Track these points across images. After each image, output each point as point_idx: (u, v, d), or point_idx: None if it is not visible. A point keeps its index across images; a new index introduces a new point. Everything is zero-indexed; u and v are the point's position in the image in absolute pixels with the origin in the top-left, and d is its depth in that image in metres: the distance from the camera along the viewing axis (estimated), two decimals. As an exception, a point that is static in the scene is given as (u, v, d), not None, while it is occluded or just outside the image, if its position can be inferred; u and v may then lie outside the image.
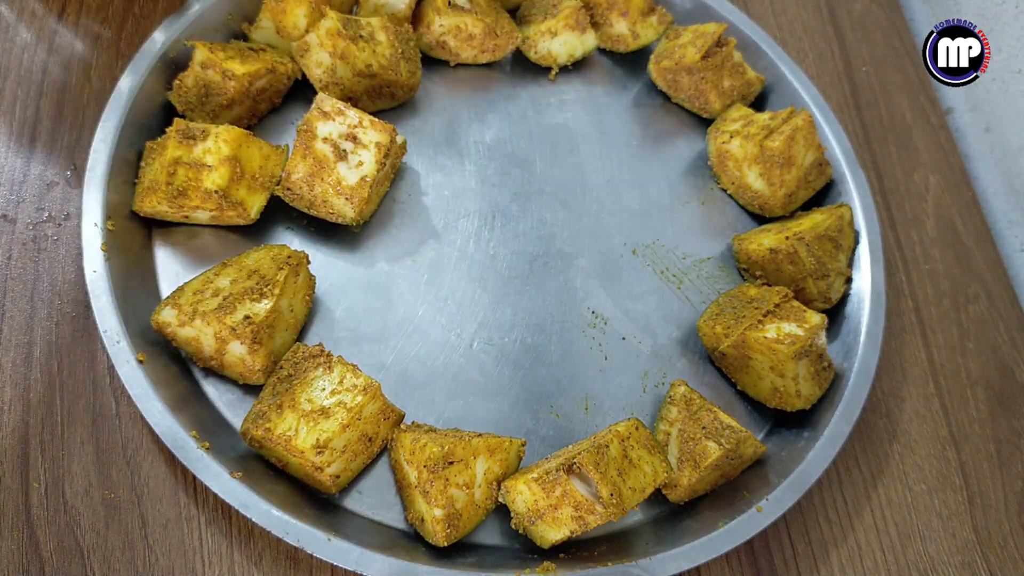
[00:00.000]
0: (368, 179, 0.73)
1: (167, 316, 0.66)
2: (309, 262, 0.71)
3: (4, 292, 0.71)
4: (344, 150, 0.73)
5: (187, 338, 0.66)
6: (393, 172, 0.80)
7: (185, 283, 0.68)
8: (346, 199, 0.73)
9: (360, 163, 0.73)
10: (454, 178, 0.85)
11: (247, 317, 0.65)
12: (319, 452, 0.61)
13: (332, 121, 0.73)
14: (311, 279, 0.73)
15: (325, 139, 0.73)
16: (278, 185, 0.74)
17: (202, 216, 0.72)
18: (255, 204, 0.73)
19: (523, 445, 0.70)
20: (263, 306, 0.65)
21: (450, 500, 0.63)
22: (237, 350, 0.66)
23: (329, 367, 0.65)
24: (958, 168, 1.05)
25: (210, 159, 0.70)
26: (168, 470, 0.66)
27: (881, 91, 1.08)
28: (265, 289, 0.66)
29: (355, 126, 0.73)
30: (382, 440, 0.68)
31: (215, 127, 0.71)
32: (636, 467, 0.65)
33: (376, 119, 0.74)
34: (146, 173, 0.72)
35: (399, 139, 0.77)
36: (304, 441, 0.61)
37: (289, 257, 0.69)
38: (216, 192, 0.70)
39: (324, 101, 0.73)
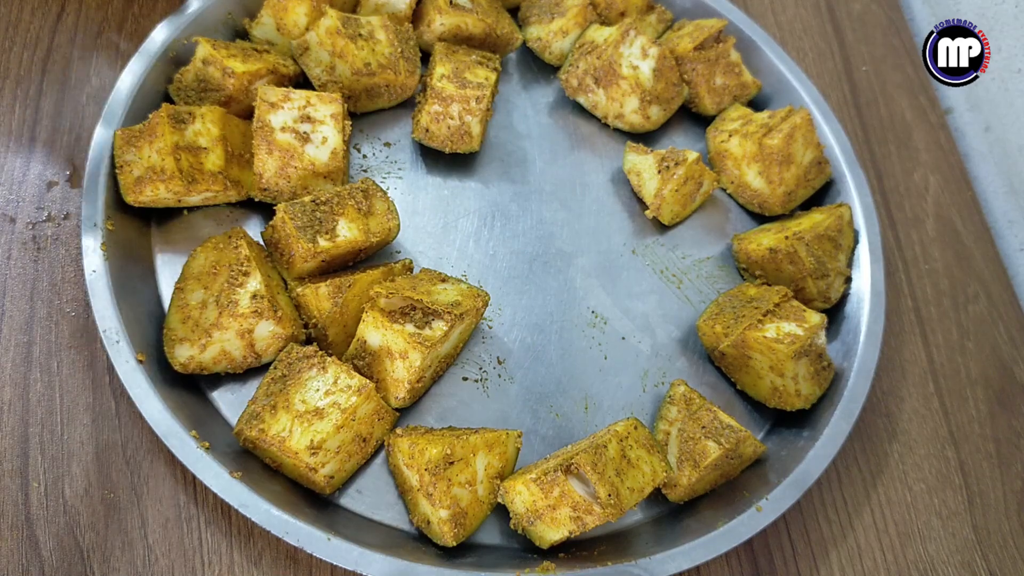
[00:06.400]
0: (338, 151, 0.74)
1: (183, 354, 0.65)
2: (245, 233, 0.71)
3: (4, 292, 0.71)
4: (305, 132, 0.73)
5: (215, 357, 0.66)
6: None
7: (165, 325, 0.67)
8: (324, 177, 0.74)
9: (324, 139, 0.73)
10: (454, 178, 0.85)
11: (254, 296, 0.65)
12: (313, 453, 0.61)
13: (282, 109, 0.73)
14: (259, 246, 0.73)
15: (283, 128, 0.73)
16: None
17: (196, 199, 0.72)
18: (248, 180, 0.74)
19: (519, 436, 0.70)
20: (256, 280, 0.66)
21: (454, 500, 0.63)
22: (266, 329, 0.66)
23: (323, 367, 0.65)
24: (958, 168, 1.05)
25: (203, 141, 0.71)
26: (168, 470, 0.66)
27: (881, 91, 1.08)
28: (243, 268, 0.66)
29: (304, 106, 0.73)
30: (376, 440, 0.68)
31: (198, 108, 0.72)
32: (635, 467, 0.65)
33: (321, 92, 0.75)
34: (132, 162, 0.70)
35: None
36: (298, 442, 0.61)
37: (230, 237, 0.69)
38: (220, 173, 0.71)
39: (267, 92, 0.73)
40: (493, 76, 0.82)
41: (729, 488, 0.74)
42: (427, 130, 0.82)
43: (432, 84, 0.80)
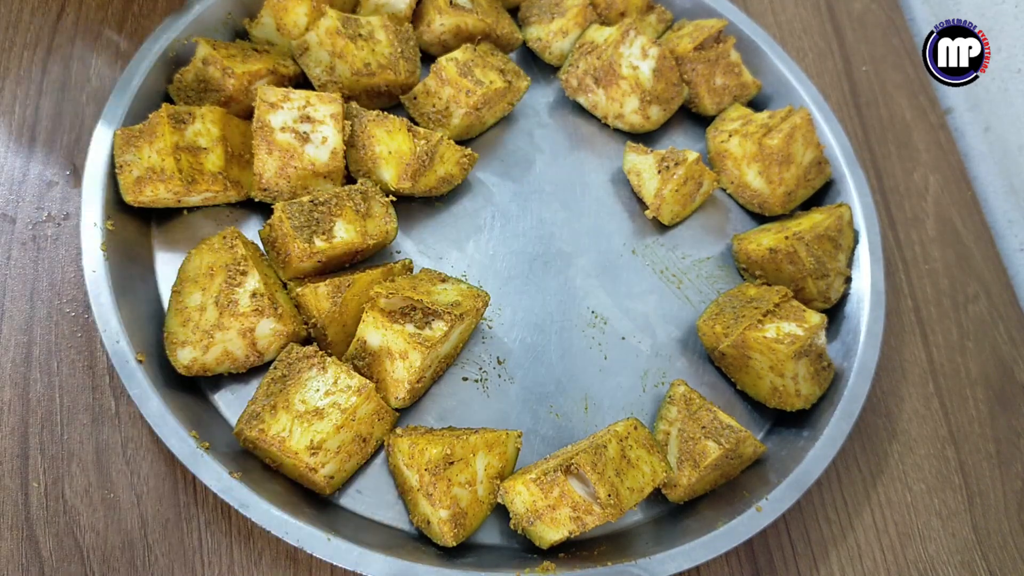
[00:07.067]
0: (338, 151, 0.74)
1: (186, 356, 0.65)
2: (239, 233, 0.71)
3: (4, 291, 0.71)
4: (305, 132, 0.73)
5: (218, 358, 0.66)
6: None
7: (164, 328, 0.66)
8: (324, 177, 0.74)
9: (324, 139, 0.73)
10: (454, 178, 0.85)
11: (254, 294, 0.65)
12: (313, 453, 0.61)
13: (281, 109, 0.73)
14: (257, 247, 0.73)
15: (283, 128, 0.73)
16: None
17: (196, 199, 0.72)
18: (248, 180, 0.75)
19: (519, 436, 0.70)
20: (254, 279, 0.66)
21: (454, 500, 0.63)
22: (267, 327, 0.66)
23: (323, 368, 0.65)
24: (958, 168, 1.05)
25: (203, 141, 0.71)
26: (168, 470, 0.66)
27: (881, 90, 1.08)
28: (240, 267, 0.66)
29: (304, 106, 0.73)
30: (376, 441, 0.68)
31: (198, 109, 0.72)
32: (634, 467, 0.65)
33: (321, 92, 0.75)
34: (132, 162, 0.70)
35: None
36: (298, 442, 0.61)
37: (225, 237, 0.69)
38: (220, 174, 0.71)
39: (267, 92, 0.73)
40: (500, 84, 0.82)
41: (729, 488, 0.74)
42: (415, 98, 0.84)
43: (439, 61, 0.81)
